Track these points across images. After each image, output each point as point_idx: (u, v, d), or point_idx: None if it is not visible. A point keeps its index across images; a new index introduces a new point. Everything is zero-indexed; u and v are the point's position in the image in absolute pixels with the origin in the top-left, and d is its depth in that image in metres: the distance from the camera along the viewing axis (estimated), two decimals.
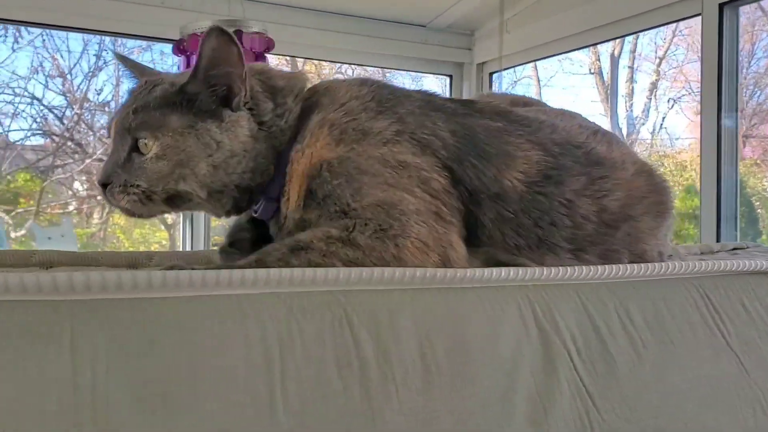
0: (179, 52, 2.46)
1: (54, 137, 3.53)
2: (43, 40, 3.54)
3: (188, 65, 2.39)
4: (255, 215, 0.94)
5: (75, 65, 3.88)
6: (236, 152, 0.87)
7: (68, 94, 3.61)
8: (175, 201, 0.87)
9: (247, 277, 0.63)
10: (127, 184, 0.85)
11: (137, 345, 0.57)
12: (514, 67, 3.31)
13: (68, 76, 3.71)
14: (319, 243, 0.78)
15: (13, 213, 3.52)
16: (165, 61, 3.40)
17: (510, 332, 0.72)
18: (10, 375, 0.53)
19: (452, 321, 0.70)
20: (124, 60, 1.02)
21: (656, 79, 3.82)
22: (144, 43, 3.44)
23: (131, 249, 3.48)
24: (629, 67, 3.89)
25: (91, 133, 3.59)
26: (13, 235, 3.39)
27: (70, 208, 3.76)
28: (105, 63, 3.96)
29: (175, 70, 2.86)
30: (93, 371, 0.55)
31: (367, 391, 0.63)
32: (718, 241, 2.16)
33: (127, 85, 1.01)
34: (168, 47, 2.78)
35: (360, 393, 0.63)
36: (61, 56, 3.87)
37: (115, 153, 0.87)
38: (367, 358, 0.64)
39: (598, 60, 3.94)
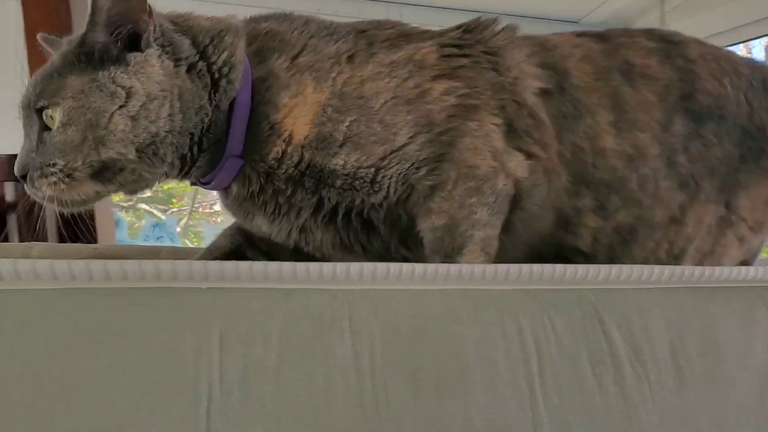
0: None
1: None
2: None
3: None
4: (206, 187, 0.84)
5: None
6: (153, 94, 0.74)
7: None
8: (104, 174, 0.75)
9: (499, 273, 0.65)
10: (43, 166, 0.73)
11: (408, 334, 0.60)
12: None
13: None
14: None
15: (168, 212, 3.78)
16: None
17: (761, 334, 0.69)
18: (302, 355, 0.57)
19: (703, 321, 0.68)
20: (48, 43, 0.87)
21: None
22: None
23: None
24: None
25: None
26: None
27: (216, 207, 3.99)
28: None
29: None
30: (371, 357, 0.58)
31: (622, 389, 0.63)
32: None
33: None
34: None
35: (615, 391, 0.63)
36: None
37: (26, 140, 0.77)
38: (619, 356, 0.64)
39: (750, 53, 3.71)
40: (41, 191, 0.74)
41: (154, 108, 0.74)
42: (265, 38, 0.83)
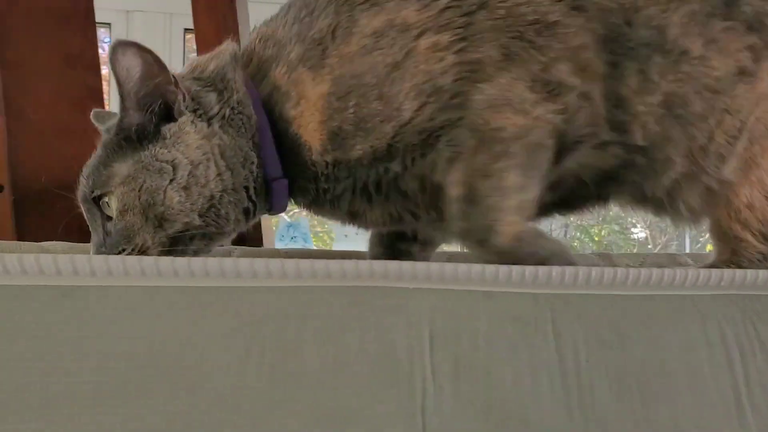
0: None
1: None
2: None
3: None
4: (270, 213, 0.85)
5: None
6: (197, 160, 0.75)
7: None
8: (177, 246, 0.76)
9: (701, 279, 0.64)
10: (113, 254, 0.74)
11: (610, 338, 0.60)
12: None
13: None
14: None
15: (290, 213, 3.92)
16: None
17: None
18: (508, 356, 0.59)
19: None
20: (97, 118, 0.88)
21: None
22: None
23: None
24: None
25: None
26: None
27: None
28: None
29: None
30: (575, 359, 0.59)
31: None
32: None
33: None
34: None
35: None
36: None
37: (94, 236, 0.78)
38: None
39: None
40: None
41: (201, 173, 0.75)
42: (260, 49, 0.81)
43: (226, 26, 1.27)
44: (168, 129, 0.76)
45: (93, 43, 1.22)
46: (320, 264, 0.59)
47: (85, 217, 0.79)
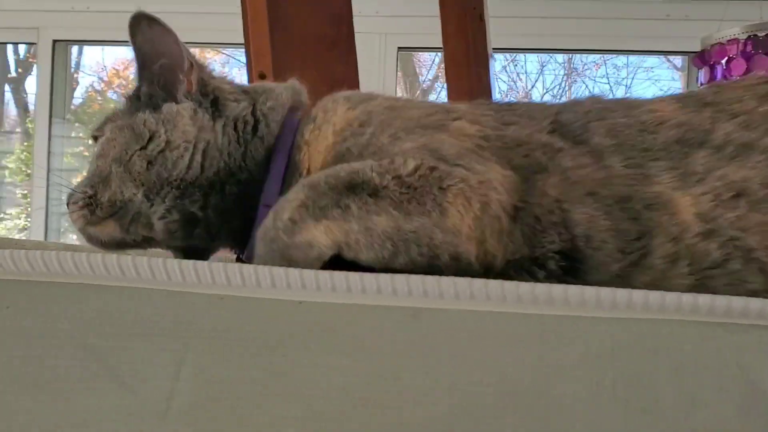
0: (701, 63, 2.40)
1: None
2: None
3: (711, 77, 2.31)
4: (234, 247, 0.80)
5: (532, 86, 4.14)
6: (175, 144, 0.75)
7: None
8: (123, 219, 0.75)
9: None
10: (76, 192, 0.76)
11: None
12: None
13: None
14: (373, 175, 0.64)
15: None
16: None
17: None
18: None
19: None
20: None
21: None
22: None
23: None
24: None
25: None
26: None
27: None
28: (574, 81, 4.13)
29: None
30: None
31: None
32: None
33: None
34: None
35: None
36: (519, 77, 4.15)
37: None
38: None
39: None
40: (72, 218, 0.77)
41: (171, 156, 0.75)
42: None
43: (476, 49, 1.28)
44: (168, 106, 0.78)
45: (354, 68, 1.28)
46: (671, 297, 0.56)
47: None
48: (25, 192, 4.02)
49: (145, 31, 0.78)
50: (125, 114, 0.80)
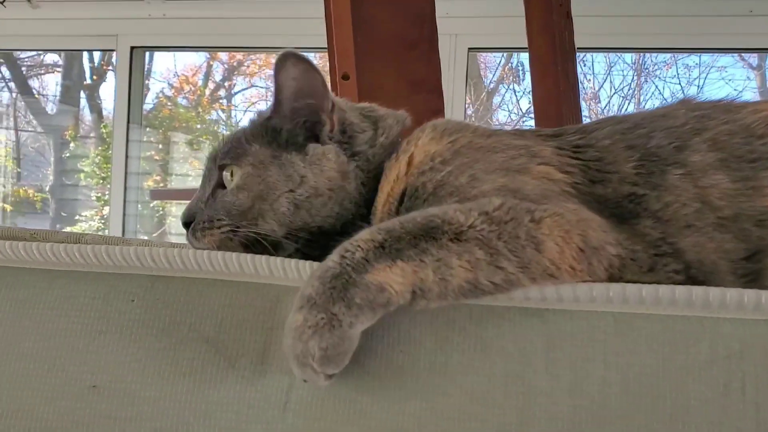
0: None
1: None
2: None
3: None
4: None
5: (600, 88, 4.05)
6: (321, 191, 0.76)
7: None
8: (254, 248, 0.74)
9: None
10: (212, 220, 0.76)
11: None
12: None
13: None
14: (457, 215, 0.58)
15: None
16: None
17: None
18: None
19: None
20: None
21: None
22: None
23: None
24: None
25: None
26: None
27: None
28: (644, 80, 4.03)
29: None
30: None
31: None
32: None
33: None
34: None
35: None
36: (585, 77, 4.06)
37: (201, 190, 0.81)
38: None
39: None
40: (201, 243, 0.76)
41: (316, 204, 0.76)
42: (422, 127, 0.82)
43: (562, 45, 1.26)
44: (314, 148, 0.78)
45: (436, 69, 1.28)
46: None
47: (203, 173, 0.84)
48: (99, 195, 4.16)
49: (290, 70, 0.78)
50: (263, 147, 0.79)
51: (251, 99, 4.27)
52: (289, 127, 0.79)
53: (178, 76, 4.25)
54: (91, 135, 4.37)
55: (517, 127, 0.86)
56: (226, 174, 0.79)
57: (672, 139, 0.70)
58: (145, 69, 3.75)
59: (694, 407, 0.52)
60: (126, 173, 3.38)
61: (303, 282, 0.57)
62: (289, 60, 0.77)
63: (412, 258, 0.55)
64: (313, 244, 0.77)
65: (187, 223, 0.79)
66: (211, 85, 4.40)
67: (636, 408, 0.53)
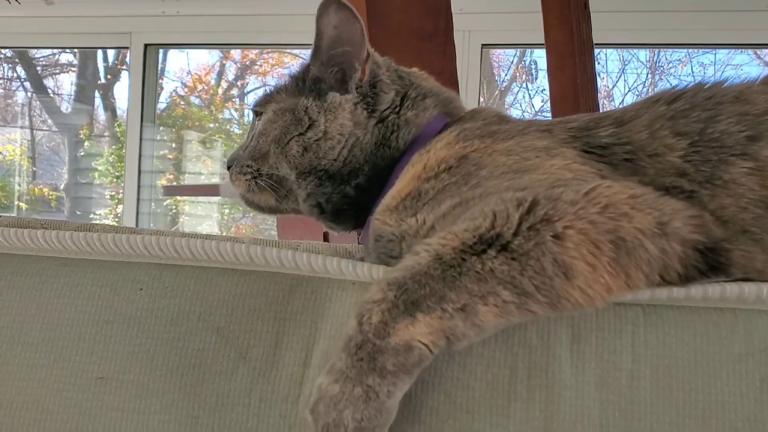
0: None
1: None
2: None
3: None
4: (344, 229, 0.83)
5: (614, 86, 4.01)
6: (330, 135, 0.77)
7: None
8: (279, 190, 0.80)
9: None
10: (242, 166, 0.81)
11: None
12: None
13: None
14: (469, 257, 0.50)
15: None
16: None
17: None
18: None
19: None
20: None
21: None
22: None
23: None
24: None
25: None
26: None
27: None
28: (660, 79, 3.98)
29: None
30: None
31: None
32: None
33: None
34: None
35: None
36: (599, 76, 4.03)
37: (247, 137, 0.85)
38: None
39: None
40: (235, 186, 0.82)
41: (324, 147, 0.77)
42: (468, 114, 0.80)
43: (580, 37, 1.23)
44: (332, 96, 0.79)
45: (452, 61, 1.26)
46: None
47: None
48: (113, 193, 4.17)
49: (331, 16, 0.77)
50: (289, 94, 0.82)
51: None
52: (317, 75, 0.81)
53: (191, 75, 4.25)
54: (105, 134, 4.38)
55: (549, 119, 0.77)
56: (256, 120, 0.84)
57: (744, 126, 0.61)
58: (159, 68, 3.75)
59: (729, 402, 0.49)
60: (139, 172, 3.38)
61: (309, 270, 0.54)
62: (332, 6, 0.77)
63: (432, 308, 0.49)
64: (323, 189, 0.79)
65: (229, 167, 0.84)
66: (224, 84, 4.40)
67: (667, 403, 0.50)
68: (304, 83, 0.82)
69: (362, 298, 0.52)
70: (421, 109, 0.80)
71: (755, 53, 3.50)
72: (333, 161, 0.78)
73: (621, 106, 0.72)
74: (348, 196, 0.79)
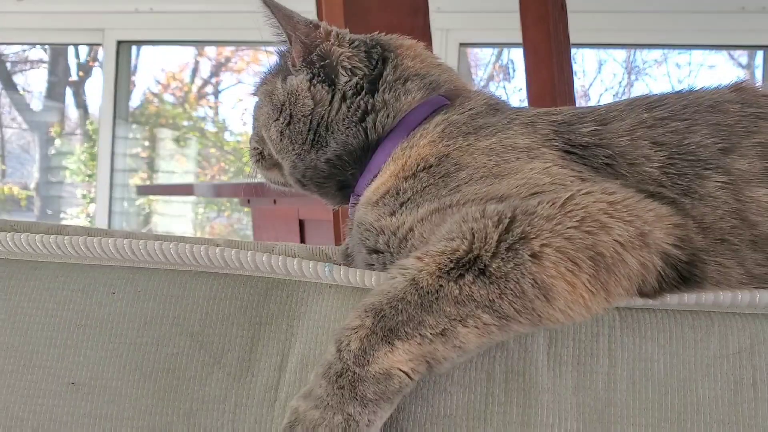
0: None
1: None
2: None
3: None
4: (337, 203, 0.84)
5: (590, 85, 4.05)
6: (296, 118, 0.77)
7: None
8: (279, 167, 0.83)
9: None
10: (251, 148, 0.87)
11: None
12: None
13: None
14: (447, 283, 0.49)
15: None
16: None
17: None
18: None
19: None
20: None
21: None
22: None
23: None
24: None
25: None
26: None
27: None
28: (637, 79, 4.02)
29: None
30: None
31: None
32: None
33: None
34: None
35: None
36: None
37: None
38: None
39: None
40: (251, 164, 0.87)
41: (293, 131, 0.77)
42: (459, 97, 0.75)
43: (557, 37, 1.24)
44: (290, 79, 0.78)
45: (427, 36, 1.25)
46: None
47: None
48: (85, 192, 4.11)
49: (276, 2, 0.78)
50: (273, 76, 0.82)
51: (239, 95, 4.23)
52: (281, 55, 0.82)
53: (164, 72, 4.20)
54: (77, 132, 4.31)
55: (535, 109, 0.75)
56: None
57: (718, 138, 0.60)
58: (132, 65, 3.70)
59: (704, 404, 0.50)
60: (112, 170, 3.33)
61: (284, 274, 0.54)
62: None
63: (410, 335, 0.48)
64: (299, 163, 0.78)
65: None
66: (198, 82, 4.36)
67: (643, 405, 0.50)
68: (282, 65, 0.82)
69: (340, 324, 0.51)
70: (402, 92, 0.75)
71: (729, 54, 3.54)
72: (302, 144, 0.77)
73: (606, 103, 0.70)
74: (321, 171, 0.78)
